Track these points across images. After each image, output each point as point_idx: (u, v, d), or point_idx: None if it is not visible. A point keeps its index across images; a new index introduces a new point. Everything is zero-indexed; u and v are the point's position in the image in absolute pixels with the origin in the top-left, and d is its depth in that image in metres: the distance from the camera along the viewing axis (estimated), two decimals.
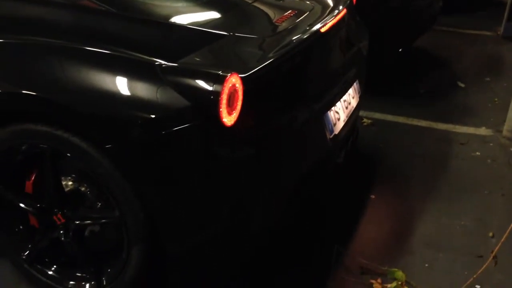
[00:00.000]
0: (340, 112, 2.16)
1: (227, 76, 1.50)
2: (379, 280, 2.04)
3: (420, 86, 3.96)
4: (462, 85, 4.02)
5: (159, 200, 1.62)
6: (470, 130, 3.33)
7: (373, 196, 2.61)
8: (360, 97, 2.46)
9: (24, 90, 1.59)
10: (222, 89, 1.49)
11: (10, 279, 1.98)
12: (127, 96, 1.55)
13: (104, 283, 1.81)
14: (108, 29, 1.73)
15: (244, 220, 1.71)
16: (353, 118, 2.36)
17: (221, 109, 1.50)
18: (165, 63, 1.57)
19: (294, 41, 1.86)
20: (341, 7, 2.23)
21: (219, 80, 1.50)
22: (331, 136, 2.06)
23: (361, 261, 2.12)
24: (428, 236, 2.33)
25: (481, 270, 1.97)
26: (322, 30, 2.00)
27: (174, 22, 1.82)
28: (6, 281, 1.99)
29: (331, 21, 2.08)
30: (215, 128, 1.54)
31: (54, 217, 1.79)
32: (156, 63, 1.57)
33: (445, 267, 2.16)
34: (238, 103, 1.56)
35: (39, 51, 1.63)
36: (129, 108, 1.54)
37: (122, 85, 1.56)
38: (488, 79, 4.16)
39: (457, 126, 3.37)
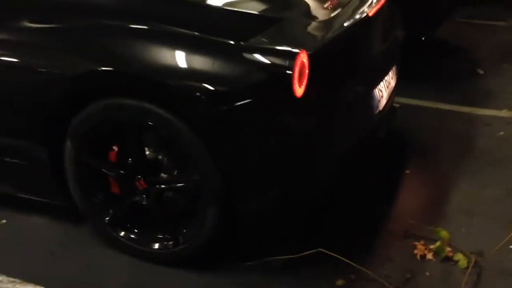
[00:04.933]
0: (383, 91, 2.37)
1: (298, 52, 1.72)
2: (422, 242, 2.24)
3: (442, 73, 4.17)
4: (481, 71, 4.22)
5: (235, 164, 1.83)
6: (493, 112, 3.51)
7: (407, 171, 2.82)
8: (397, 79, 2.66)
9: (118, 68, 1.80)
10: (295, 64, 1.70)
11: (85, 240, 2.22)
12: (210, 72, 1.76)
13: (181, 243, 2.02)
14: (187, 15, 1.94)
15: (308, 181, 1.92)
16: (392, 97, 2.57)
17: (294, 82, 1.72)
18: (241, 42, 1.78)
19: (346, 23, 2.08)
20: None
21: (292, 56, 1.71)
22: (377, 112, 2.28)
23: (405, 225, 2.32)
24: (462, 204, 2.52)
25: None
26: (368, 14, 2.21)
27: (239, 9, 2.04)
28: (81, 242, 2.23)
29: (374, 6, 2.29)
30: (287, 99, 1.75)
31: (137, 183, 2.00)
32: (233, 43, 1.78)
33: (480, 231, 2.35)
34: (305, 77, 1.78)
35: (131, 35, 1.85)
36: (211, 83, 1.75)
37: (204, 63, 1.78)
38: (505, 65, 4.35)
39: (480, 109, 3.54)
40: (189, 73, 1.78)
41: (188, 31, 1.83)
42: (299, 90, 1.75)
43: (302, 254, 2.08)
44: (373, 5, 2.32)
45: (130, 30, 1.87)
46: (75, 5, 2.01)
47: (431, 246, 2.20)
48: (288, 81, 1.72)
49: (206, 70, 1.77)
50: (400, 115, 3.39)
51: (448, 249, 2.18)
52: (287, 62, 1.71)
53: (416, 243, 2.23)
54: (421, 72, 4.16)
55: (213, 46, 1.80)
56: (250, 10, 2.06)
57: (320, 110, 1.87)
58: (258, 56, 1.76)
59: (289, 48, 1.74)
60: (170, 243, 2.03)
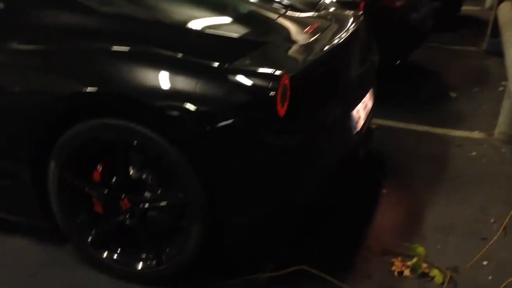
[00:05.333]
0: (361, 112, 2.46)
1: (282, 74, 1.79)
2: (399, 259, 2.31)
3: (416, 95, 4.32)
4: (454, 94, 4.39)
5: (221, 182, 1.88)
6: (465, 133, 3.66)
7: (385, 191, 2.90)
8: (374, 101, 2.76)
9: (104, 89, 1.84)
10: (279, 85, 1.77)
11: (68, 261, 2.22)
12: (195, 93, 1.81)
13: (164, 261, 2.03)
14: (172, 38, 2.00)
15: (291, 197, 1.98)
16: (370, 119, 2.67)
17: (277, 102, 1.78)
18: (226, 64, 1.84)
19: (326, 47, 2.17)
20: (356, 21, 2.56)
21: (276, 78, 1.79)
22: (355, 132, 2.36)
23: (383, 242, 2.39)
24: (437, 222, 2.61)
25: (486, 247, 2.25)
26: (346, 39, 2.31)
27: (222, 33, 2.11)
28: (64, 262, 2.22)
29: (352, 32, 2.40)
30: (271, 118, 1.81)
31: (121, 202, 2.02)
32: (217, 65, 1.84)
33: (454, 248, 2.43)
34: (287, 97, 1.85)
35: (118, 56, 1.89)
36: (197, 103, 1.80)
37: (190, 84, 1.82)
38: (476, 89, 4.54)
39: (452, 130, 3.69)
40: (175, 94, 1.82)
41: (174, 54, 1.89)
42: (282, 110, 1.82)
43: (285, 271, 2.12)
44: (350, 31, 2.43)
45: (117, 52, 1.91)
46: (62, 27, 2.05)
47: (408, 263, 2.28)
48: (272, 102, 1.78)
49: (192, 91, 1.82)
50: (377, 136, 3.51)
51: (425, 265, 2.26)
52: (271, 84, 1.78)
53: (394, 259, 2.31)
54: (396, 94, 4.31)
55: (198, 68, 1.86)
56: (233, 34, 2.14)
57: (301, 129, 1.94)
58: (242, 78, 1.82)
59: (272, 70, 1.81)
60: (154, 262, 2.05)
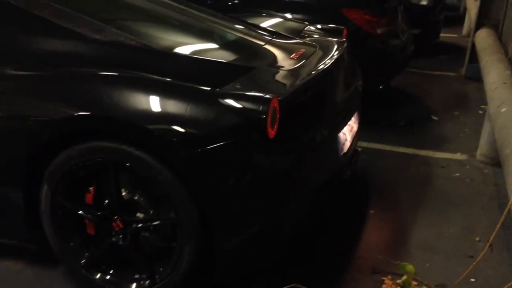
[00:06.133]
0: (347, 134, 2.53)
1: (272, 98, 1.85)
2: (389, 277, 2.35)
3: (400, 119, 4.44)
4: (436, 118, 4.52)
5: (213, 203, 1.91)
6: (448, 155, 3.76)
7: (372, 211, 2.95)
8: (359, 124, 2.84)
9: (98, 113, 1.88)
10: (269, 109, 1.84)
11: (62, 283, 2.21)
12: (187, 116, 1.86)
13: (157, 281, 2.05)
14: (165, 63, 2.06)
15: (281, 218, 2.01)
16: (355, 141, 2.74)
17: (268, 125, 1.84)
18: (216, 88, 1.90)
19: (312, 72, 2.24)
20: (340, 47, 2.66)
21: (266, 102, 1.85)
22: (342, 154, 2.42)
23: (372, 261, 2.43)
24: (424, 242, 2.67)
25: (472, 265, 2.29)
26: (331, 64, 2.40)
27: (212, 58, 2.18)
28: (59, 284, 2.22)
29: (336, 58, 2.49)
30: (261, 141, 1.87)
31: (113, 224, 2.04)
32: (208, 89, 1.90)
33: (442, 266, 2.49)
34: (277, 120, 1.91)
35: (111, 82, 1.94)
36: (189, 126, 1.85)
37: (180, 107, 1.88)
38: (457, 112, 4.68)
39: (436, 152, 3.79)
40: (166, 117, 1.87)
41: (165, 78, 1.95)
42: (271, 132, 1.88)
43: None
44: (335, 56, 2.52)
45: (109, 76, 1.96)
46: (53, 54, 2.10)
47: (398, 281, 2.32)
48: (262, 124, 1.84)
49: (182, 114, 1.87)
50: (363, 158, 3.59)
51: (414, 283, 2.30)
52: (261, 107, 1.84)
53: (384, 278, 2.36)
54: (380, 118, 4.43)
55: (189, 92, 1.91)
56: (222, 59, 2.21)
57: (290, 150, 1.99)
58: (233, 101, 1.88)
59: (262, 94, 1.88)
60: (147, 282, 2.05)
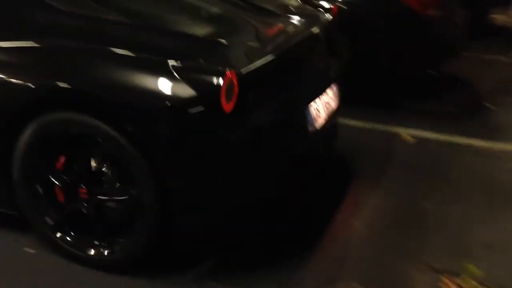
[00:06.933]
0: (320, 110, 2.53)
1: (225, 71, 1.88)
2: (448, 276, 2.20)
3: (450, 106, 4.23)
4: (489, 105, 4.25)
5: (170, 175, 1.97)
6: (504, 146, 3.52)
7: (428, 206, 2.77)
8: (338, 100, 2.84)
9: (69, 85, 1.95)
10: (223, 82, 1.86)
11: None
12: (147, 90, 1.91)
13: (117, 251, 2.13)
14: (132, 36, 2.12)
15: (239, 194, 2.06)
16: (334, 117, 2.74)
17: (221, 98, 1.87)
18: (176, 61, 1.94)
19: (279, 48, 2.25)
20: (321, 23, 2.65)
21: (221, 75, 1.87)
22: (313, 129, 2.44)
23: (431, 258, 2.30)
24: (486, 240, 2.48)
25: None
26: (303, 39, 2.40)
27: (178, 31, 2.21)
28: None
29: (310, 33, 2.49)
30: (216, 114, 1.90)
31: (80, 191, 2.12)
32: (167, 61, 1.94)
33: (506, 266, 2.32)
34: (234, 94, 1.94)
35: (83, 54, 2.01)
36: (145, 99, 1.90)
37: (143, 81, 1.92)
38: (510, 99, 4.43)
39: (491, 142, 3.55)
40: (126, 89, 1.92)
41: (127, 51, 2.00)
42: (227, 106, 1.91)
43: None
44: (310, 33, 2.53)
45: (82, 49, 2.03)
46: (32, 26, 2.17)
47: (458, 281, 2.20)
48: (216, 98, 1.87)
49: (144, 87, 1.92)
50: (419, 149, 3.43)
51: (476, 283, 2.19)
52: (215, 80, 1.87)
53: (443, 277, 2.22)
54: (432, 105, 4.22)
55: (148, 65, 1.96)
56: (190, 32, 2.24)
57: (248, 125, 2.02)
58: (190, 74, 1.91)
59: (217, 67, 1.90)
60: (106, 251, 2.15)
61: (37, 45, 2.09)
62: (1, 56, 2.10)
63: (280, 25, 2.55)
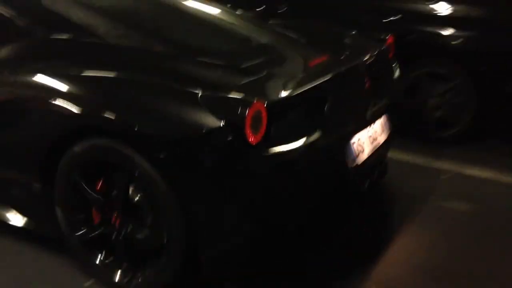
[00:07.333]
0: (364, 145, 2.41)
1: (253, 102, 1.84)
2: None
3: None
4: None
5: (199, 210, 1.95)
6: None
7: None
8: (389, 136, 2.69)
9: (105, 114, 2.00)
10: (248, 113, 1.83)
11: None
12: (173, 118, 1.92)
13: (140, 280, 2.14)
14: (169, 67, 2.17)
15: (266, 227, 1.99)
16: (381, 152, 2.60)
17: (246, 129, 1.84)
18: (207, 93, 1.93)
19: (318, 79, 2.18)
20: (371, 55, 2.55)
21: (247, 105, 1.84)
22: (353, 165, 2.32)
23: None
24: None
25: None
26: (345, 71, 2.33)
27: (222, 61, 2.23)
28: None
29: (356, 63, 2.41)
30: (242, 145, 1.86)
31: (113, 217, 2.16)
32: (195, 91, 1.94)
33: None
34: (262, 126, 1.89)
35: (120, 84, 2.09)
36: (174, 128, 1.91)
37: (172, 110, 1.94)
38: None
39: None
40: (156, 120, 1.94)
41: (157, 80, 2.04)
42: (253, 138, 1.87)
43: None
44: (359, 61, 2.45)
45: (120, 80, 2.10)
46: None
47: None
48: (241, 129, 1.83)
49: (170, 117, 1.93)
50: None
51: None
52: (240, 111, 1.84)
53: None
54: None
55: (182, 96, 1.96)
56: (233, 62, 2.24)
57: (277, 158, 1.95)
58: (220, 105, 1.89)
59: (243, 98, 1.87)
60: (128, 278, 2.17)
61: (83, 75, 2.17)
62: (54, 84, 2.21)
63: (325, 56, 2.49)
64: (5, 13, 2.47)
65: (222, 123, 1.86)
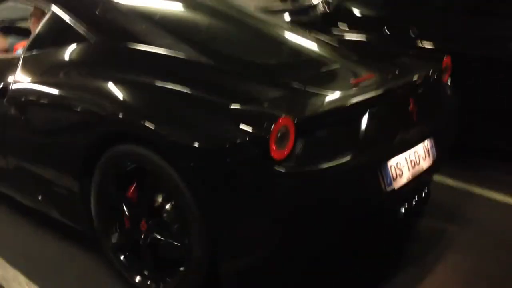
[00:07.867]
0: (403, 169, 2.29)
1: (280, 116, 1.81)
2: None
3: None
4: None
5: (217, 221, 1.94)
6: None
7: None
8: (434, 161, 2.54)
9: (142, 122, 2.04)
10: (274, 128, 1.79)
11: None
12: (201, 130, 1.93)
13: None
14: (207, 78, 2.20)
15: (289, 247, 1.95)
16: (423, 179, 2.46)
17: (271, 144, 1.80)
18: (239, 106, 1.93)
19: (356, 98, 2.11)
20: (419, 73, 2.45)
21: (273, 120, 1.81)
22: (390, 189, 2.21)
23: None
24: None
25: None
26: (387, 91, 2.24)
27: (261, 74, 2.23)
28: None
29: (402, 83, 2.34)
30: (267, 161, 1.82)
31: (142, 223, 2.20)
32: (232, 105, 1.94)
33: None
34: (290, 141, 1.85)
35: (154, 93, 2.13)
36: (201, 139, 1.91)
37: (201, 121, 1.95)
38: None
39: None
40: (185, 130, 1.96)
41: (189, 90, 2.06)
42: (278, 153, 1.83)
43: None
44: (406, 81, 2.38)
45: (155, 88, 2.15)
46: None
47: None
48: (265, 144, 1.80)
49: (199, 128, 1.94)
50: None
51: None
52: (265, 125, 1.81)
53: None
54: None
55: (214, 107, 1.97)
56: (271, 76, 2.22)
57: (304, 175, 1.90)
58: (248, 119, 1.87)
59: (273, 113, 1.84)
60: (150, 282, 2.18)
61: (120, 83, 2.22)
62: (101, 88, 2.29)
63: (370, 75, 2.42)
64: (66, 18, 2.62)
65: (247, 137, 1.84)
